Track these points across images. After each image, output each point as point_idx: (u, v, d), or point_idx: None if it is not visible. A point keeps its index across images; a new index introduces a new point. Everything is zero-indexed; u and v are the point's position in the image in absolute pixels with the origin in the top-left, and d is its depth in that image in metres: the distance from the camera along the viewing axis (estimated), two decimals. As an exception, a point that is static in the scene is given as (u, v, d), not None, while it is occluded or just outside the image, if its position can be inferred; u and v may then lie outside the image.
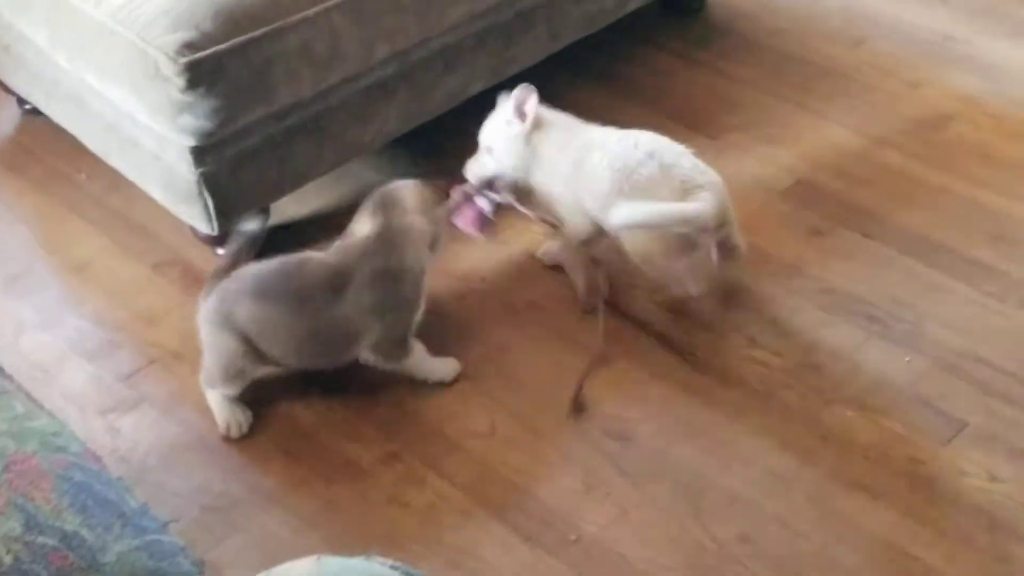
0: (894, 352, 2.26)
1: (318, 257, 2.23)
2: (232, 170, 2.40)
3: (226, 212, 2.43)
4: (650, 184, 2.22)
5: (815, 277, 2.44)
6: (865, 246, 2.51)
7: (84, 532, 1.46)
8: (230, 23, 2.24)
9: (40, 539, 1.42)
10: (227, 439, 2.20)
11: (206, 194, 2.39)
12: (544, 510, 2.06)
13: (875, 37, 3.13)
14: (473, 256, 2.51)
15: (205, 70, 2.22)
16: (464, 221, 2.32)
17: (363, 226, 2.23)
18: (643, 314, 2.38)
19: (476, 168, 2.42)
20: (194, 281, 2.44)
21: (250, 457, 2.18)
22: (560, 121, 2.41)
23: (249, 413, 2.23)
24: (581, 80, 3.02)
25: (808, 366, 2.25)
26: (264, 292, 2.16)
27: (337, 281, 2.17)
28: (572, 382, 2.24)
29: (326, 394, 2.26)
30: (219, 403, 2.22)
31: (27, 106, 2.97)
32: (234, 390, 2.21)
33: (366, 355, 2.22)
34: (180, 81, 2.22)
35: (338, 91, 2.46)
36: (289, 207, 2.67)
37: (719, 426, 2.17)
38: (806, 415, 2.17)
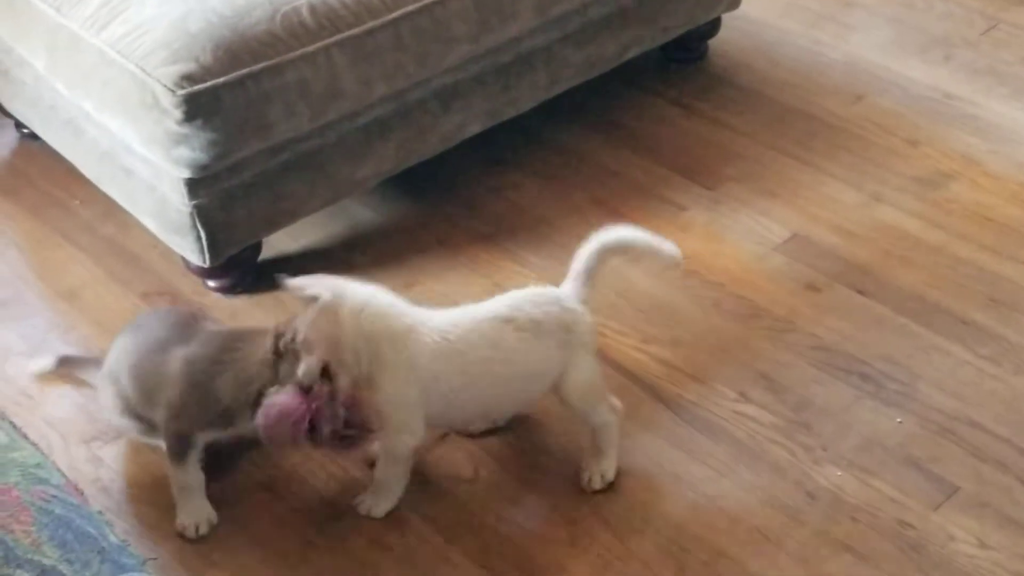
0: (886, 412, 2.24)
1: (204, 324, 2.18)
2: (226, 203, 2.39)
3: (218, 244, 2.43)
4: None
5: (808, 333, 2.42)
6: (860, 304, 2.49)
7: (62, 567, 1.45)
8: (229, 57, 2.24)
9: (18, 572, 1.41)
10: None
11: (199, 226, 2.38)
12: (526, 559, 2.03)
13: (876, 93, 3.13)
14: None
15: (203, 103, 2.22)
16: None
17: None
18: (633, 365, 2.36)
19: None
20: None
21: (231, 493, 2.15)
22: None
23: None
24: (578, 126, 3.02)
25: (798, 423, 2.23)
26: (139, 325, 2.21)
27: (172, 338, 2.11)
28: (561, 430, 2.22)
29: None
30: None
31: (24, 130, 2.97)
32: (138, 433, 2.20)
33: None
34: (177, 113, 2.22)
35: (335, 128, 2.46)
36: (282, 241, 2.66)
37: (706, 481, 2.15)
38: (795, 473, 2.15)
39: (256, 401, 1.95)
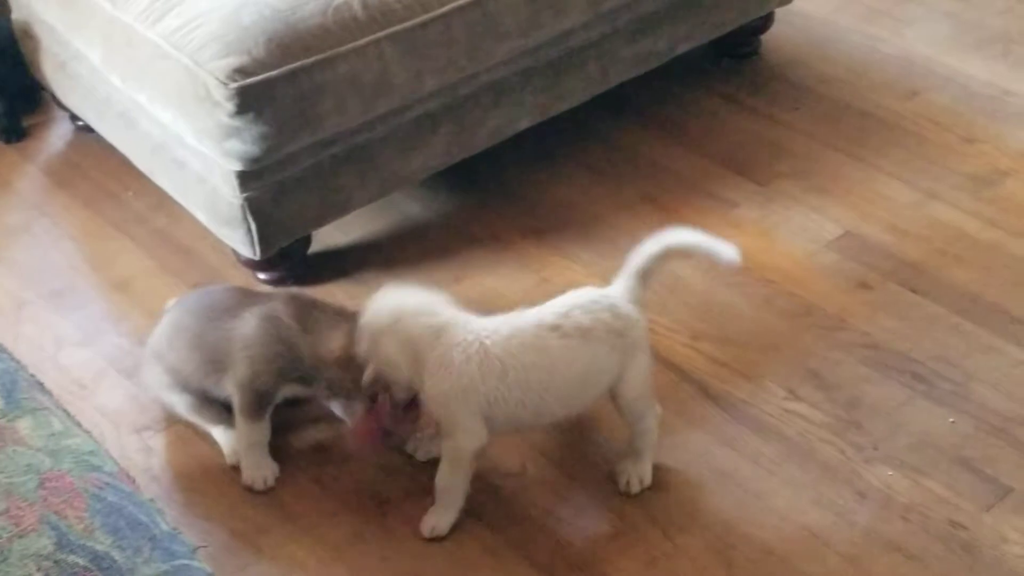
0: (938, 412, 2.22)
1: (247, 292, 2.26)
2: (276, 196, 2.40)
3: (269, 237, 2.44)
4: None
5: (860, 331, 2.40)
6: (913, 302, 2.47)
7: (115, 553, 1.46)
8: (281, 50, 2.25)
9: (71, 558, 1.42)
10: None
11: (249, 218, 2.39)
12: (573, 553, 2.03)
13: (931, 89, 3.09)
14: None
15: (254, 96, 2.23)
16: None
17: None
18: (683, 362, 2.35)
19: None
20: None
21: (280, 485, 2.16)
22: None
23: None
24: (629, 121, 3.01)
25: (849, 422, 2.21)
26: (187, 306, 2.26)
27: (238, 303, 2.18)
28: (607, 425, 2.21)
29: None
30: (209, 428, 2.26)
31: (79, 123, 3.00)
32: (185, 408, 2.24)
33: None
34: (229, 106, 2.23)
35: (385, 122, 2.46)
36: (331, 235, 2.67)
37: (755, 479, 2.13)
38: (845, 472, 2.13)
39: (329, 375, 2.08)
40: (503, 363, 1.96)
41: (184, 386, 2.21)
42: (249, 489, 2.15)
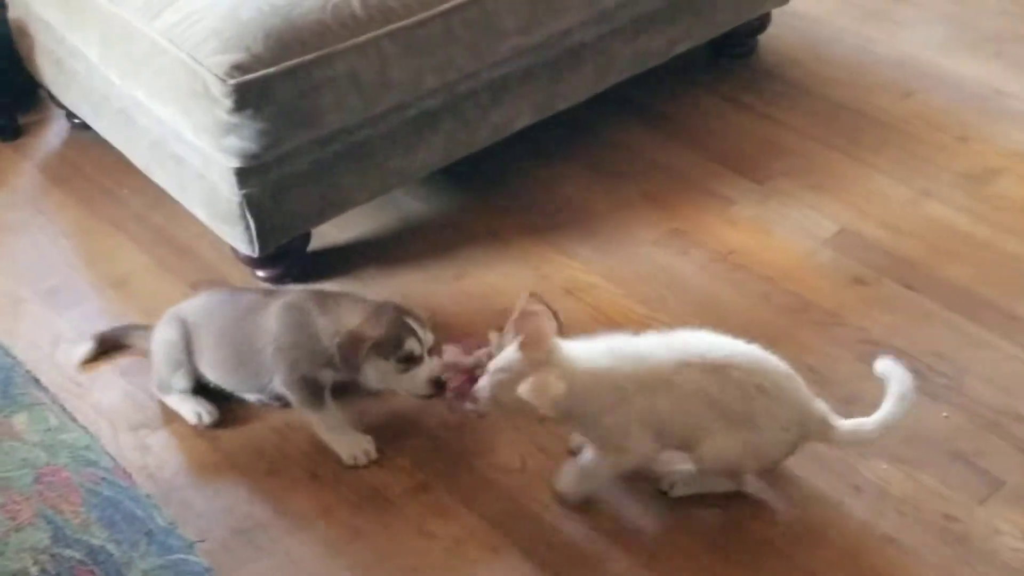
0: (932, 406, 2.23)
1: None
2: (275, 193, 2.41)
3: (267, 234, 2.44)
4: None
5: (856, 327, 2.41)
6: (908, 298, 2.48)
7: (111, 547, 1.46)
8: (280, 47, 2.26)
9: (67, 552, 1.43)
10: (201, 426, 2.26)
11: (248, 216, 2.39)
12: (572, 548, 2.04)
13: (926, 89, 3.11)
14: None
15: (253, 92, 2.23)
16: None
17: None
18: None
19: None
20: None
21: (278, 481, 2.17)
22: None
23: (213, 407, 2.27)
24: (627, 119, 3.02)
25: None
26: (214, 293, 2.31)
27: (263, 301, 2.21)
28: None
29: (357, 423, 2.25)
30: (178, 401, 2.28)
31: (76, 120, 3.00)
32: (183, 383, 2.26)
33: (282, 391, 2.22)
34: (228, 102, 2.23)
35: (385, 119, 2.47)
36: (330, 232, 2.67)
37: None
38: (840, 466, 2.14)
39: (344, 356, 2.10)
40: (613, 385, 1.96)
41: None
42: (354, 467, 2.17)
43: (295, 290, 2.27)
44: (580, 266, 2.59)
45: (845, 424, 2.01)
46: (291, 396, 2.18)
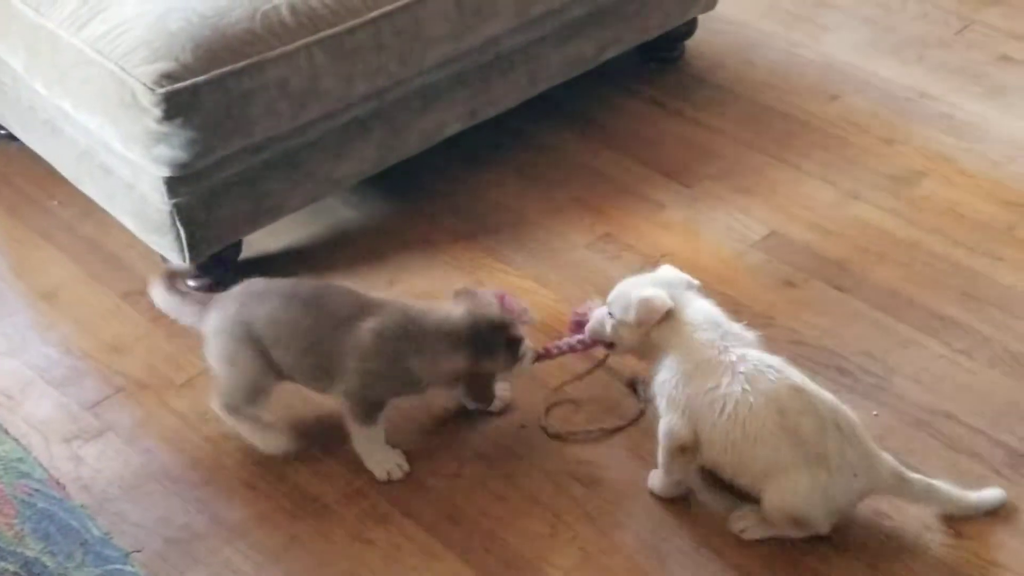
0: (862, 405, 2.25)
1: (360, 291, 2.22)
2: (206, 202, 2.40)
3: (198, 243, 2.43)
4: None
5: (786, 328, 2.44)
6: (836, 299, 2.52)
7: (45, 559, 1.46)
8: (209, 55, 2.25)
9: (1, 564, 1.41)
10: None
11: (179, 225, 2.38)
12: (509, 552, 2.05)
13: (851, 92, 3.16)
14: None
15: (182, 101, 2.22)
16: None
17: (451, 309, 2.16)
18: (613, 361, 2.36)
19: (596, 326, 2.17)
20: (163, 312, 2.42)
21: (213, 490, 2.16)
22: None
23: (285, 437, 2.22)
24: (558, 125, 3.04)
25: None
26: (294, 294, 2.17)
27: (354, 312, 2.13)
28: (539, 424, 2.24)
29: (292, 429, 2.24)
30: (250, 429, 2.21)
31: (2, 132, 2.97)
32: (258, 408, 2.19)
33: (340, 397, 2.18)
34: (157, 111, 2.22)
35: (315, 127, 2.47)
36: (263, 240, 2.66)
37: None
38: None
39: (448, 379, 2.14)
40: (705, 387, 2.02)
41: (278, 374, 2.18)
42: (388, 482, 2.17)
43: (386, 305, 2.15)
44: (513, 271, 2.60)
45: (920, 479, 2.00)
46: (348, 406, 2.15)
